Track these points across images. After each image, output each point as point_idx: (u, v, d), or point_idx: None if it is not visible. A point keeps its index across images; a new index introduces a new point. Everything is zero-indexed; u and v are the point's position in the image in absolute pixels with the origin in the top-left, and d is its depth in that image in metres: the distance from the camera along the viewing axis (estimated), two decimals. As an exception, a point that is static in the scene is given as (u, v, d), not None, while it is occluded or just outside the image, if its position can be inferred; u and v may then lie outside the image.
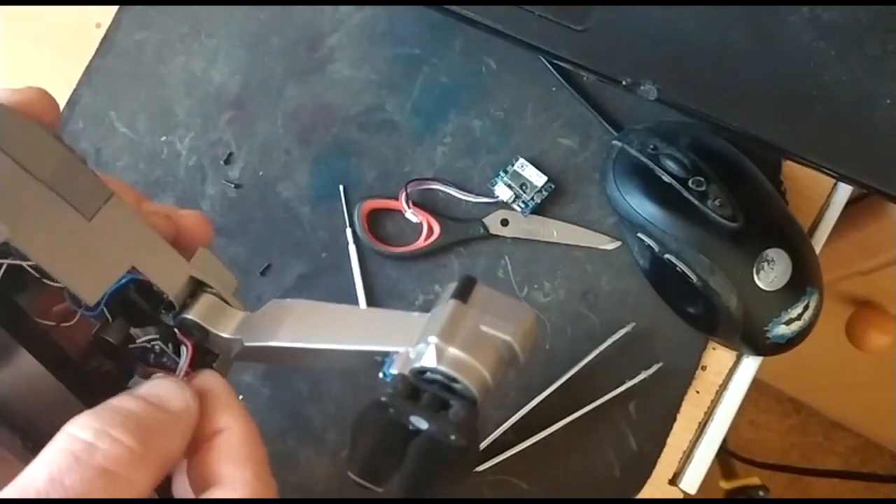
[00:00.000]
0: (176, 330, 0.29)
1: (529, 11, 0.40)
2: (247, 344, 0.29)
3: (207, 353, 0.30)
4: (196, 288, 0.29)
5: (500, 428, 0.45)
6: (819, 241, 0.47)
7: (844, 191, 0.48)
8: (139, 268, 0.27)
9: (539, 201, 0.47)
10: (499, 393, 0.46)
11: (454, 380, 0.25)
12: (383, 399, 0.25)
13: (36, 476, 0.21)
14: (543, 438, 0.45)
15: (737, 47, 0.40)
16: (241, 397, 0.46)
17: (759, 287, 0.41)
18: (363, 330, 0.28)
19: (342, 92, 0.49)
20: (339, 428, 0.46)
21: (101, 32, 0.50)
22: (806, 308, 0.42)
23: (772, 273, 0.41)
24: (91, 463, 0.22)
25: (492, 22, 0.41)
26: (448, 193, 0.47)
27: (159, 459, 0.24)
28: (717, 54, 0.40)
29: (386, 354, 0.26)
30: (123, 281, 0.28)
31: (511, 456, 0.45)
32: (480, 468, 0.45)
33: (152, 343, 0.29)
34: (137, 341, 0.29)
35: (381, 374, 0.26)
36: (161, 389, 0.25)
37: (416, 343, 0.25)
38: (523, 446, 0.45)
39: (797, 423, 1.26)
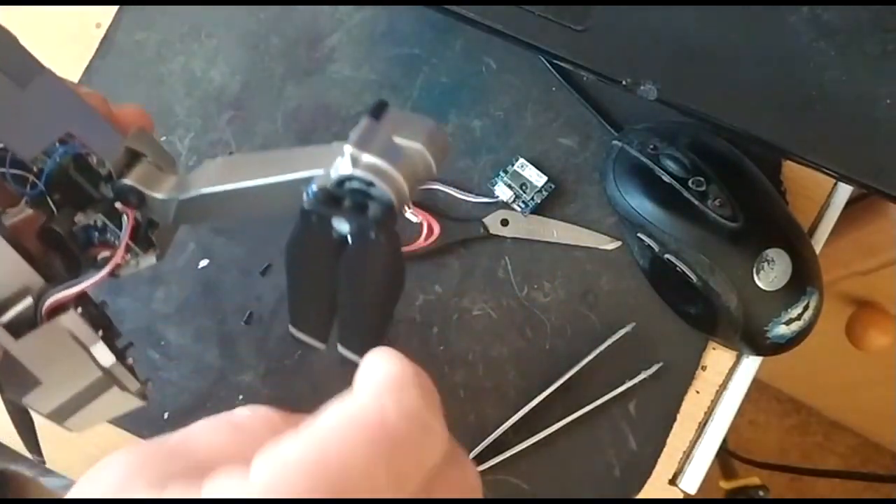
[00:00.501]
0: (117, 205, 0.31)
1: (529, 11, 0.40)
2: (181, 198, 0.30)
3: (151, 225, 0.32)
4: (132, 159, 0.31)
5: (500, 428, 0.45)
6: (819, 241, 0.47)
7: (844, 191, 0.48)
8: (75, 133, 0.29)
9: (539, 201, 0.47)
10: (498, 393, 0.46)
11: (370, 184, 0.26)
12: (305, 206, 0.27)
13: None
14: (543, 438, 0.45)
15: (737, 47, 0.40)
16: (240, 397, 0.46)
17: (759, 287, 0.41)
18: (287, 164, 0.29)
19: (342, 92, 0.49)
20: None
21: (101, 32, 0.50)
22: (806, 308, 0.42)
23: (772, 273, 0.41)
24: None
25: (492, 22, 0.40)
26: (448, 193, 0.47)
27: None
28: (718, 54, 0.40)
29: (311, 181, 0.28)
30: (61, 151, 0.30)
31: (511, 456, 0.45)
32: (481, 468, 0.45)
33: (94, 220, 0.31)
34: (80, 224, 0.31)
35: (304, 196, 0.27)
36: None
37: (335, 163, 0.27)
38: (523, 446, 0.45)
39: (797, 422, 1.26)
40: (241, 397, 0.46)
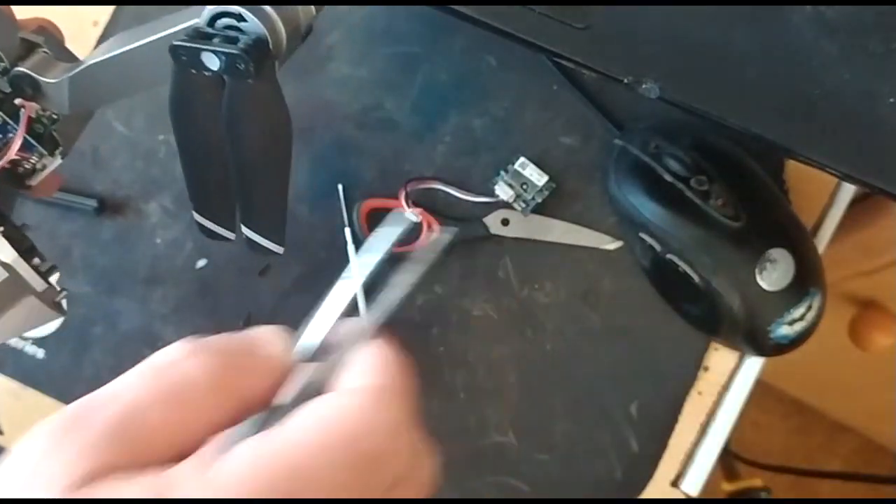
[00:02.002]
0: (17, 101, 0.31)
1: (530, 9, 0.40)
2: (70, 75, 0.30)
3: (52, 121, 0.32)
4: (28, 50, 0.31)
5: (500, 428, 0.45)
6: (822, 241, 0.47)
7: (848, 190, 0.47)
8: None
9: (540, 201, 0.46)
10: (498, 394, 0.46)
11: (241, 18, 0.27)
12: (175, 43, 0.27)
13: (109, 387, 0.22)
14: (543, 439, 0.45)
15: (739, 46, 0.40)
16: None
17: (761, 287, 0.41)
18: (170, 21, 0.29)
19: (341, 90, 0.48)
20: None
21: (98, 31, 0.50)
22: (809, 308, 0.42)
23: (774, 273, 0.41)
24: (166, 379, 0.22)
25: (492, 20, 0.40)
26: (448, 193, 0.47)
27: (235, 395, 0.23)
28: (720, 53, 0.40)
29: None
30: None
31: (511, 457, 0.45)
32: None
33: None
34: None
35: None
36: (262, 332, 0.26)
37: None
38: (523, 447, 0.45)
39: (800, 424, 1.26)
40: (239, 398, 0.46)
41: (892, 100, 0.39)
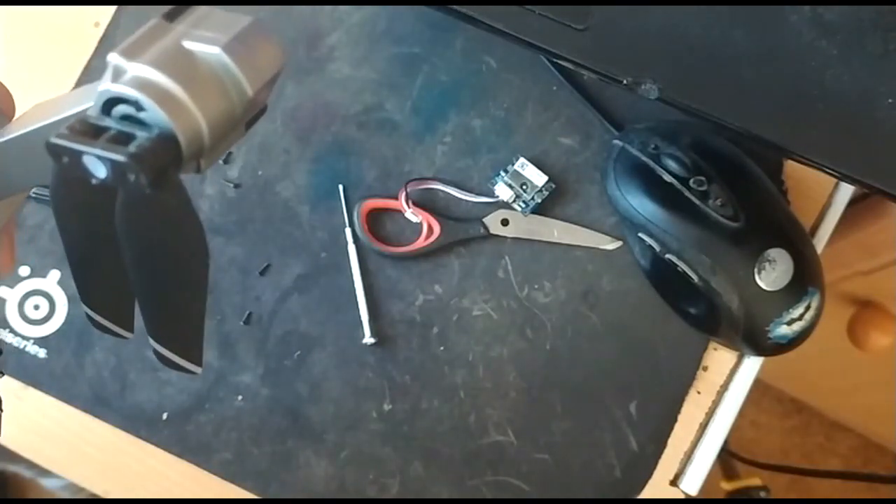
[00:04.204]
0: None
1: (530, 10, 0.40)
2: None
3: None
4: None
5: (500, 428, 0.45)
6: (821, 241, 0.47)
7: (846, 191, 0.48)
8: None
9: (539, 201, 0.46)
10: (498, 393, 0.46)
11: (140, 107, 0.20)
12: (52, 140, 0.20)
13: None
14: (543, 438, 0.45)
15: (738, 46, 0.40)
16: (239, 397, 0.46)
17: (760, 287, 0.41)
18: (66, 104, 0.22)
19: (342, 91, 0.49)
20: (338, 428, 0.46)
21: (100, 31, 0.50)
22: (807, 308, 0.42)
23: (773, 273, 0.41)
24: None
25: (492, 21, 0.40)
26: (448, 193, 0.47)
27: None
28: (719, 53, 0.40)
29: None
30: None
31: (511, 456, 0.45)
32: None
33: None
34: None
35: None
36: None
37: None
38: (523, 446, 0.45)
39: (798, 423, 1.26)
40: (239, 398, 0.46)
41: (890, 100, 0.39)
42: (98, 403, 0.46)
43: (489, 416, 0.46)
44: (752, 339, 0.43)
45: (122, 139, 0.19)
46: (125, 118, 0.20)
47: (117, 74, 0.20)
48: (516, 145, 0.47)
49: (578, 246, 0.47)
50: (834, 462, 1.25)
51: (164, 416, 0.46)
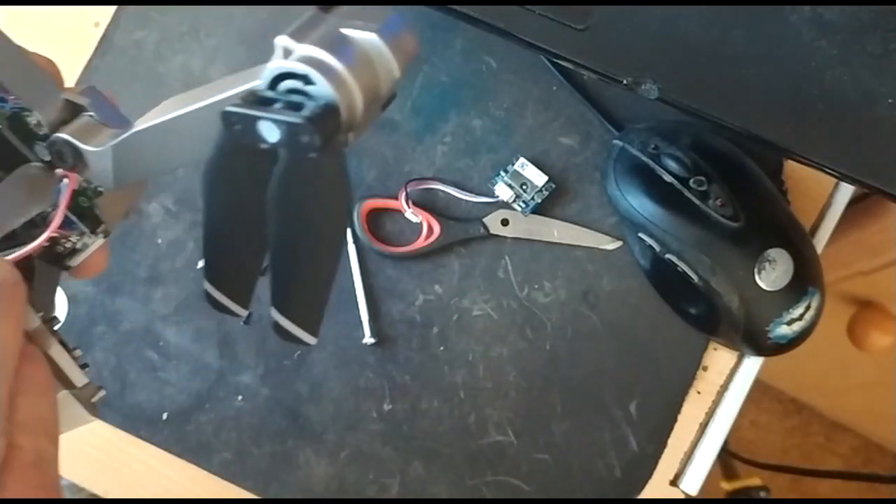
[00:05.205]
0: (58, 172, 0.27)
1: (530, 10, 0.40)
2: (113, 143, 0.27)
3: (97, 194, 0.29)
4: (71, 114, 0.28)
5: (500, 428, 0.45)
6: (821, 241, 0.47)
7: (846, 191, 0.48)
8: (7, 85, 0.26)
9: (539, 201, 0.46)
10: (498, 393, 0.46)
11: (308, 80, 0.22)
12: (228, 108, 0.22)
13: None
14: (543, 438, 0.45)
15: (738, 46, 0.40)
16: (239, 398, 0.46)
17: (760, 287, 0.41)
18: (226, 84, 0.25)
19: (342, 91, 0.49)
20: (338, 428, 0.46)
21: (100, 31, 0.50)
22: (807, 308, 0.42)
23: (773, 273, 0.41)
24: None
25: (492, 21, 0.40)
26: (448, 193, 0.47)
27: None
28: (719, 53, 0.40)
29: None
30: None
31: (511, 456, 0.45)
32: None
33: None
34: None
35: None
36: None
37: None
38: (523, 446, 0.45)
39: (798, 423, 1.26)
40: (240, 398, 0.46)
41: (890, 100, 0.39)
42: (98, 403, 0.46)
43: (489, 416, 0.46)
44: (752, 339, 0.43)
45: (293, 107, 0.22)
46: (290, 92, 0.22)
47: (287, 54, 0.22)
48: (516, 145, 0.47)
49: (578, 246, 0.47)
50: (834, 462, 1.25)
51: (164, 415, 0.46)
